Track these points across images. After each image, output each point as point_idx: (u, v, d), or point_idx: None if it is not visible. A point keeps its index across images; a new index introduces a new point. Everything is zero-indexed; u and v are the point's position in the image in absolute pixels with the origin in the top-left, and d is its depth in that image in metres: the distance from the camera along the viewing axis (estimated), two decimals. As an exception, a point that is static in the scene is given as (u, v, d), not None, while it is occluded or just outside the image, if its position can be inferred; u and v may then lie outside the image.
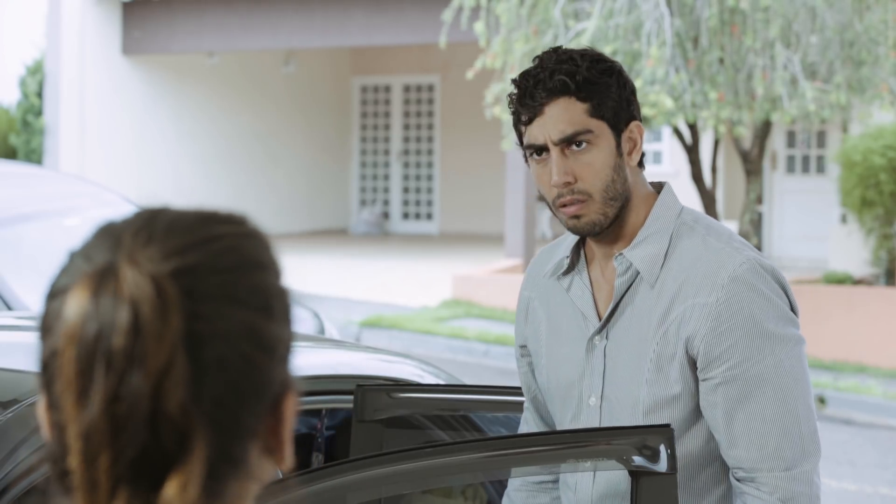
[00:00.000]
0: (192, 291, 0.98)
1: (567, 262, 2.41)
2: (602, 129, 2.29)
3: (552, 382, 2.44)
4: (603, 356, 2.36)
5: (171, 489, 0.95)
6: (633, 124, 2.33)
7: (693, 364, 2.28)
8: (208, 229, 1.02)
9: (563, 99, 2.28)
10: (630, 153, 2.33)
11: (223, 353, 0.98)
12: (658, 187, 2.42)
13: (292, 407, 1.04)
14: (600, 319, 2.37)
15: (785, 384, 2.24)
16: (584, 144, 2.28)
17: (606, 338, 2.36)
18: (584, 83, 2.28)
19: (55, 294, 1.00)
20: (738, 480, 2.27)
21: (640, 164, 2.39)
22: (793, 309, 2.30)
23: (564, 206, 2.30)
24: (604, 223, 2.31)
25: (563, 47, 2.34)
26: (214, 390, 0.97)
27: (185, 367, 0.96)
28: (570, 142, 2.28)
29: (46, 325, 0.99)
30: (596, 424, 2.36)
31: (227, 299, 0.99)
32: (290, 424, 1.04)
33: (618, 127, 2.31)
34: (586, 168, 2.29)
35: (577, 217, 2.30)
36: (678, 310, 2.28)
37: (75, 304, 0.97)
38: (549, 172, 2.30)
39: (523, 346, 2.54)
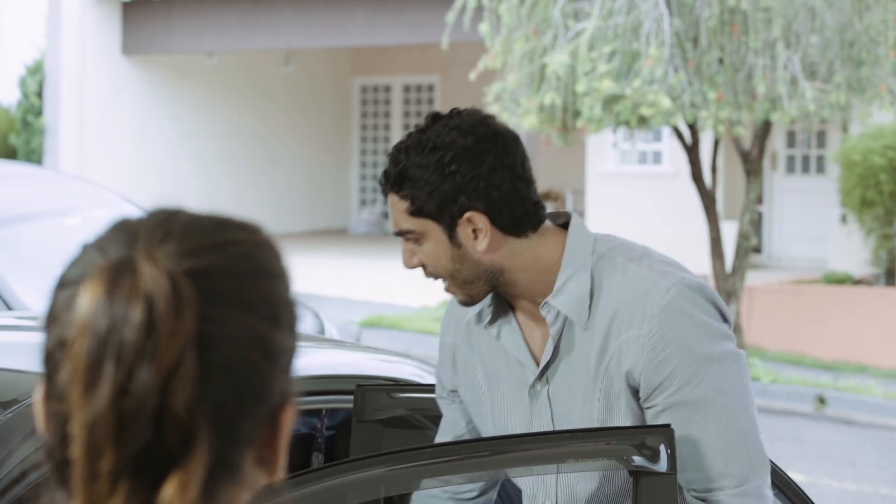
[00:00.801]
0: (206, 293, 0.98)
1: (490, 311, 2.35)
2: (425, 225, 2.21)
3: (500, 431, 2.41)
4: (548, 400, 2.33)
5: (169, 489, 0.95)
6: (469, 215, 2.20)
7: (636, 394, 2.27)
8: (224, 234, 1.02)
9: (391, 195, 2.23)
10: (476, 239, 2.22)
11: (230, 356, 0.98)
12: (563, 219, 2.33)
13: (290, 418, 1.04)
14: (537, 364, 2.33)
15: (727, 403, 2.24)
16: (414, 239, 2.24)
17: (547, 382, 2.32)
18: (399, 182, 2.21)
19: (65, 284, 1.00)
20: (694, 499, 2.29)
21: (528, 228, 2.25)
22: (725, 319, 2.28)
23: None
24: (474, 300, 2.29)
25: (436, 118, 2.30)
26: (218, 393, 0.97)
27: (193, 367, 0.96)
28: (402, 236, 2.26)
29: (53, 315, 0.99)
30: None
31: (238, 304, 0.99)
32: (287, 436, 1.04)
33: (445, 221, 2.21)
34: (426, 258, 2.24)
35: (451, 292, 2.30)
36: (614, 346, 2.25)
37: (89, 296, 0.96)
38: None
39: (454, 392, 2.50)
